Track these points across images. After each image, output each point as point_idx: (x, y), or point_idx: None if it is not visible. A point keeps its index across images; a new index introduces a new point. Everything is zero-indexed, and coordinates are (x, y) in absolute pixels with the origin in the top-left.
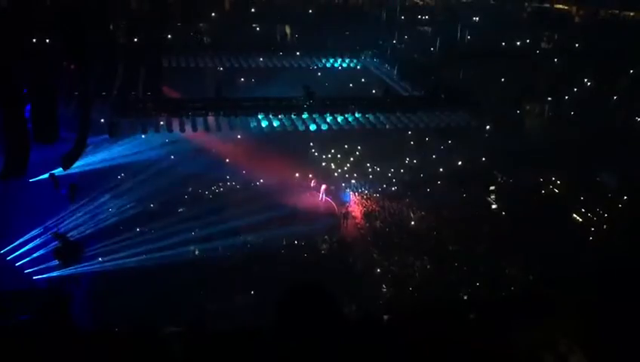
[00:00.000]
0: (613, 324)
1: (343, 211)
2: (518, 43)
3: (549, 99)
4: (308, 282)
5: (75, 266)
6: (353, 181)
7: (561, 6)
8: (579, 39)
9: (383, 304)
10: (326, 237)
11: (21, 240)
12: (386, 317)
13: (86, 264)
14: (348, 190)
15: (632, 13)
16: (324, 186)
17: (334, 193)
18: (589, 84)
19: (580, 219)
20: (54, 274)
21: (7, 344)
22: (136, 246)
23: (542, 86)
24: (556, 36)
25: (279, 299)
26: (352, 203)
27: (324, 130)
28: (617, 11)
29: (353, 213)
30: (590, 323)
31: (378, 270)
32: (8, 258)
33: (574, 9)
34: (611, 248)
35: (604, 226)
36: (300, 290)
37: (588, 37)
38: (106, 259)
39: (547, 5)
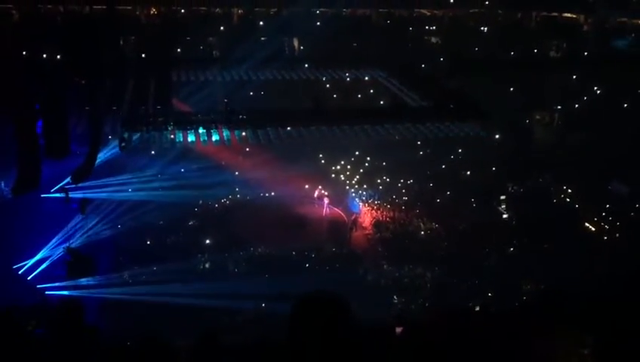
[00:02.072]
0: (628, 335)
1: (352, 219)
2: (527, 52)
3: (559, 107)
4: (319, 292)
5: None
6: (362, 191)
7: (569, 15)
8: (588, 47)
9: (395, 315)
10: (335, 249)
11: (35, 255)
12: (398, 329)
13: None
14: (357, 200)
15: (639, 21)
16: (326, 200)
17: (344, 204)
18: (598, 92)
19: (593, 228)
20: (67, 291)
21: (24, 357)
22: (146, 258)
23: (551, 95)
24: (565, 45)
25: (290, 309)
26: (361, 213)
27: (334, 142)
28: (625, 19)
29: (363, 224)
30: (604, 333)
31: (389, 281)
32: (20, 272)
33: (582, 17)
34: (624, 257)
35: (617, 235)
36: (311, 301)
37: (597, 45)
38: (117, 273)
39: (555, 14)
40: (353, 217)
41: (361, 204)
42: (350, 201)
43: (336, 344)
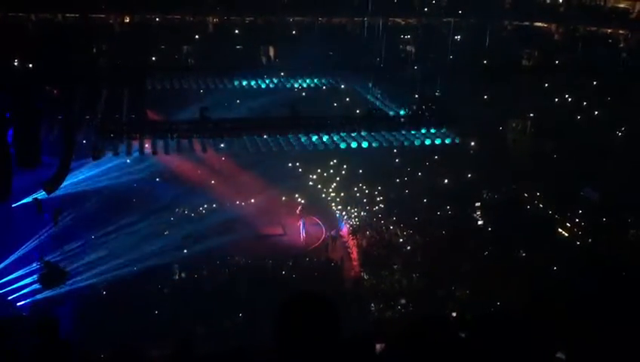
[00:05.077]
0: (606, 339)
1: (332, 233)
2: (500, 60)
3: (531, 115)
4: (305, 293)
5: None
6: (339, 199)
7: (540, 24)
8: (559, 56)
9: (372, 322)
10: (315, 258)
11: (4, 265)
12: (378, 346)
13: (71, 286)
14: (339, 214)
15: (609, 30)
16: (301, 221)
17: (329, 218)
18: (570, 100)
19: (566, 234)
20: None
21: None
22: (121, 268)
23: (524, 102)
24: (536, 53)
25: (273, 316)
26: (344, 228)
27: (310, 150)
28: (595, 28)
29: (340, 233)
30: (582, 337)
31: (366, 288)
32: None
33: (554, 26)
34: (596, 261)
35: (589, 240)
36: (299, 301)
37: (568, 53)
38: (91, 281)
39: (527, 23)
40: (333, 231)
41: (343, 218)
42: (335, 217)
43: (324, 342)
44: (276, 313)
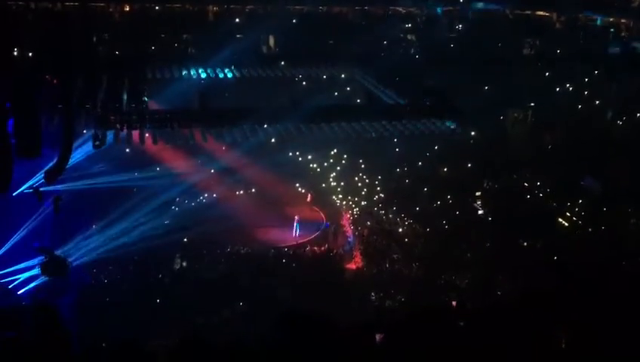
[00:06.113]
0: (606, 331)
1: (333, 227)
2: (501, 49)
3: (532, 105)
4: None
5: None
6: (339, 189)
7: (542, 12)
8: (560, 45)
9: (373, 312)
10: (315, 247)
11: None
12: (378, 336)
13: (72, 275)
14: (339, 203)
15: (611, 19)
16: (296, 217)
17: (329, 208)
18: (570, 89)
19: (566, 224)
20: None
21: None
22: (122, 258)
23: (525, 92)
24: (538, 43)
25: (276, 318)
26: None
27: (310, 140)
28: (596, 17)
29: (341, 222)
30: (581, 327)
31: (367, 278)
32: None
33: (555, 15)
34: (597, 252)
35: (589, 230)
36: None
37: (568, 42)
38: (92, 270)
39: (528, 12)
40: (333, 226)
41: (344, 208)
42: (336, 207)
43: (314, 347)
44: (275, 332)
